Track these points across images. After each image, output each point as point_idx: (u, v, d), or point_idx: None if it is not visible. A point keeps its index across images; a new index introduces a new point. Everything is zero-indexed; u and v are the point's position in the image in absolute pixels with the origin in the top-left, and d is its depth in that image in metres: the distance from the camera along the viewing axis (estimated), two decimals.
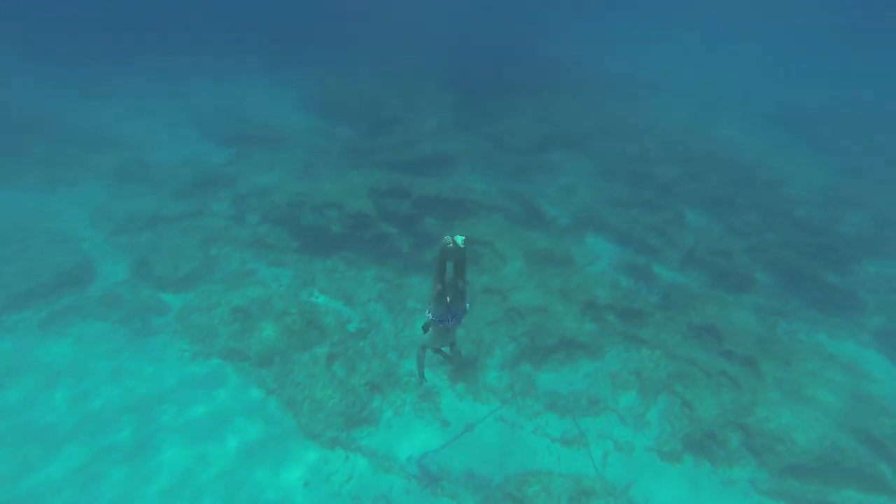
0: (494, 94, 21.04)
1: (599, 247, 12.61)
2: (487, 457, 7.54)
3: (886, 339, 10.64)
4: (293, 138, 16.56)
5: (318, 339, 8.79)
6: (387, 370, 8.39)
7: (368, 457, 7.33)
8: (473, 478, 7.19)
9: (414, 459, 7.38)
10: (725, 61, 33.68)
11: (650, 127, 19.19)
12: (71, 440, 7.21)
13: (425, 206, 11.84)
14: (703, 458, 8.11)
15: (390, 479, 7.05)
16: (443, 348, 5.71)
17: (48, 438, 7.19)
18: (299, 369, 8.33)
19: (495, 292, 9.98)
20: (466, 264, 4.69)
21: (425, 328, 5.42)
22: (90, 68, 22.48)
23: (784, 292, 11.88)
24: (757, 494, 7.67)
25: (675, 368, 9.29)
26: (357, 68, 23.52)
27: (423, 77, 22.58)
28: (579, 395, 8.65)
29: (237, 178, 13.30)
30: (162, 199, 12.63)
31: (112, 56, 24.13)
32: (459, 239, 4.40)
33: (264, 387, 8.20)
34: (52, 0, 29.87)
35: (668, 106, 22.51)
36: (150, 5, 31.51)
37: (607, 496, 7.15)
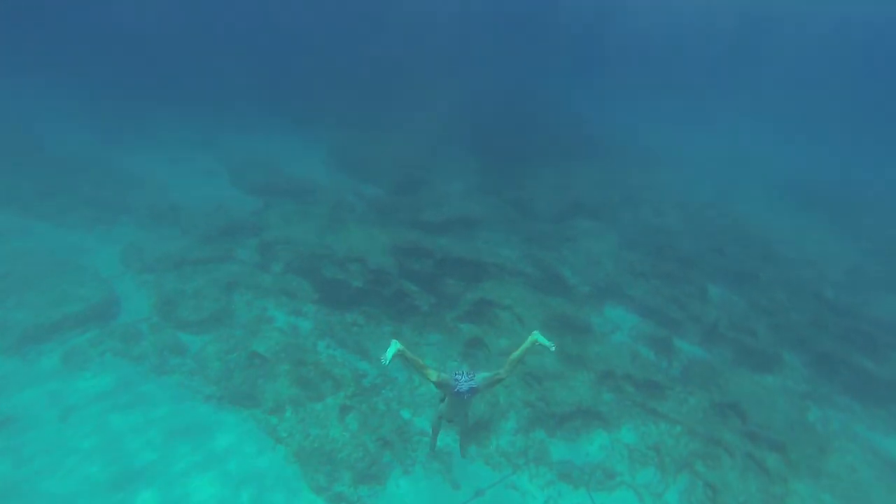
0: (519, 162, 22.02)
1: (619, 317, 12.77)
2: None
3: None
4: (320, 193, 17.46)
5: (332, 390, 8.98)
6: (399, 427, 8.48)
7: None
8: None
9: None
10: (748, 138, 34.70)
11: (673, 200, 19.73)
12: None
13: (447, 266, 12.28)
14: None
15: None
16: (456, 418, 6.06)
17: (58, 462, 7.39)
18: (311, 420, 8.48)
19: None
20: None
21: (442, 398, 5.83)
22: (134, 116, 24.27)
23: (814, 376, 11.75)
24: None
25: (697, 447, 9.16)
26: (385, 129, 24.91)
27: (449, 141, 23.80)
28: (594, 467, 8.56)
29: (264, 228, 14.02)
30: (190, 243, 13.32)
31: (154, 106, 26.06)
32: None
33: (273, 435, 8.34)
34: (100, 51, 32.73)
35: (692, 180, 23.18)
36: (190, 60, 34.19)
37: None
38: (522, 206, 17.63)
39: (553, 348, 5.83)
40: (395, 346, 5.64)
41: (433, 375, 5.66)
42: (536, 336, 5.88)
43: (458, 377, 5.75)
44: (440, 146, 23.01)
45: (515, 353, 5.88)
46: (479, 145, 23.62)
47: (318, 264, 12.01)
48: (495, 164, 21.57)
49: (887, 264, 16.90)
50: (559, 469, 8.40)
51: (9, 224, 14.02)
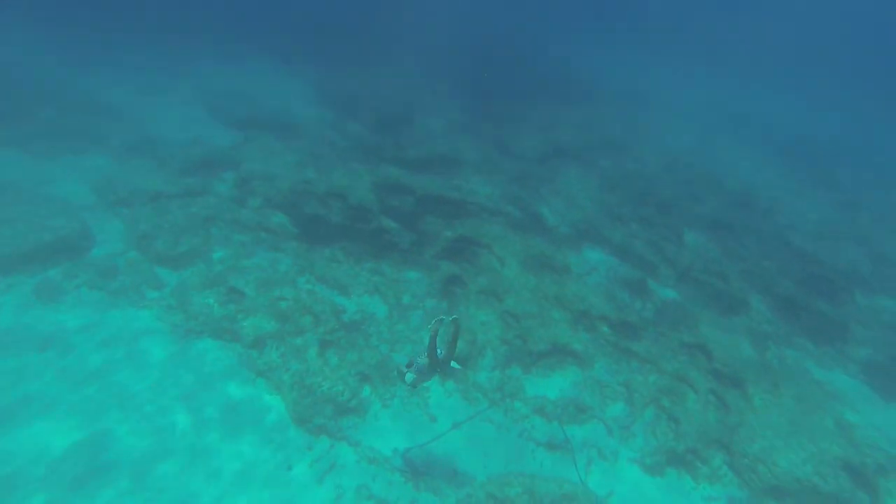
0: (503, 101, 21.17)
1: (597, 258, 12.65)
2: (472, 456, 7.51)
3: (872, 371, 10.73)
4: (302, 128, 16.54)
5: (312, 326, 8.74)
6: (378, 362, 8.36)
7: (353, 446, 7.29)
8: (457, 475, 7.17)
9: (399, 452, 7.35)
10: (735, 88, 34.01)
11: (655, 145, 19.33)
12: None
13: (427, 204, 11.85)
14: (685, 472, 8.11)
15: (374, 469, 7.01)
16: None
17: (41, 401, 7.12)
18: (291, 354, 8.29)
19: (491, 294, 9.98)
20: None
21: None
22: (99, 40, 22.35)
23: (777, 318, 11.96)
24: None
25: (664, 383, 9.31)
26: (369, 66, 23.57)
27: (434, 79, 22.68)
28: (567, 402, 8.64)
29: (243, 162, 13.25)
30: (166, 176, 12.55)
31: (122, 30, 24.01)
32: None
33: (254, 369, 8.15)
34: None
35: (675, 126, 22.69)
36: None
37: (588, 503, 7.14)
38: (504, 146, 17.04)
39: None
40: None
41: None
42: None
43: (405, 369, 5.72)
44: (425, 84, 21.91)
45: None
46: (464, 85, 22.58)
47: (298, 200, 11.46)
48: (479, 103, 20.69)
49: (854, 216, 17.03)
50: (533, 404, 8.46)
51: None
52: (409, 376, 5.63)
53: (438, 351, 5.66)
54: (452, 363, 5.87)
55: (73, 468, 6.38)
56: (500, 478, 7.22)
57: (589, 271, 12.09)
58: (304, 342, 8.43)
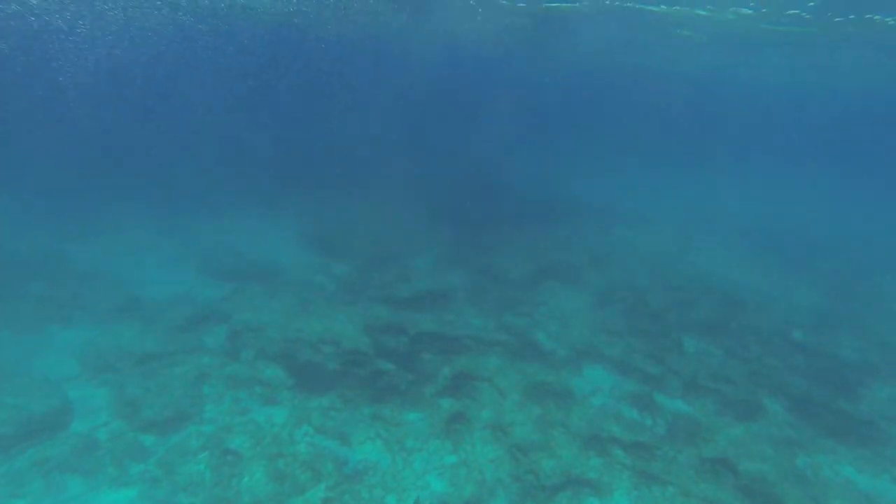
0: (487, 226, 22.78)
1: (599, 377, 12.91)
2: None
3: None
4: (290, 274, 17.51)
5: (313, 482, 8.65)
6: None
7: None
8: None
9: None
10: (707, 191, 37.01)
11: (639, 256, 20.59)
12: None
13: (422, 342, 12.34)
14: None
15: None
16: None
17: None
18: None
19: (496, 428, 10.07)
20: None
21: None
22: (92, 209, 24.16)
23: (796, 420, 11.99)
24: None
25: None
26: (352, 208, 25.57)
27: (416, 215, 24.54)
28: None
29: (233, 314, 13.87)
30: (155, 335, 13.01)
31: (109, 194, 26.07)
32: None
33: None
34: (46, 141, 33.05)
35: (655, 235, 24.33)
36: (150, 144, 34.84)
37: None
38: (492, 274, 18.05)
39: None
40: None
41: None
42: None
43: None
44: (407, 220, 23.64)
45: None
46: (446, 216, 24.39)
47: (291, 349, 11.89)
48: (462, 233, 22.23)
49: (845, 304, 17.84)
50: None
51: None
52: None
53: None
54: None
55: None
56: None
57: (592, 392, 12.28)
58: (306, 502, 8.30)
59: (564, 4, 23.84)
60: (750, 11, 21.39)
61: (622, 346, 13.81)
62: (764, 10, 20.95)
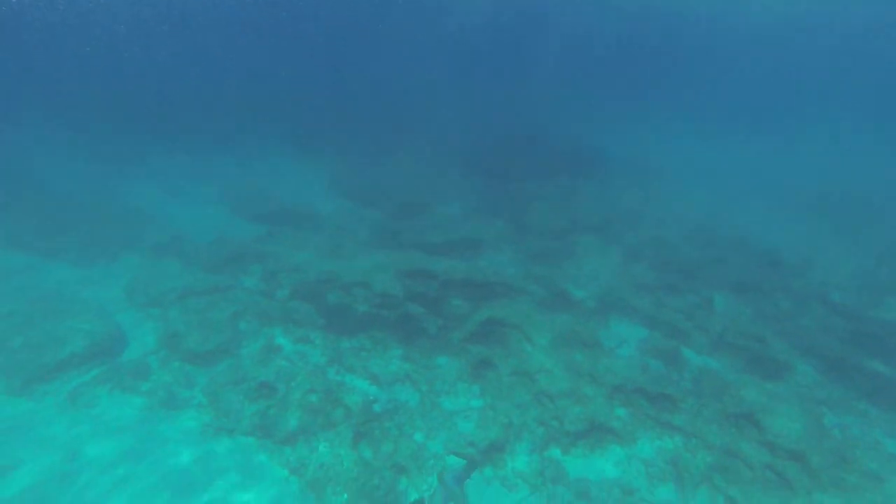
0: (517, 181, 22.23)
1: (626, 330, 12.74)
2: None
3: None
4: (322, 219, 17.57)
5: (344, 418, 8.91)
6: (413, 452, 8.39)
7: None
8: None
9: None
10: (747, 149, 35.16)
11: (675, 212, 19.87)
12: None
13: (452, 287, 12.30)
14: None
15: None
16: None
17: None
18: (323, 449, 8.40)
19: (523, 375, 10.09)
20: None
21: None
22: (133, 150, 24.51)
23: (827, 381, 11.67)
24: None
25: (714, 459, 9.06)
26: (385, 154, 25.24)
27: (449, 164, 24.09)
28: (612, 485, 8.44)
29: (267, 255, 14.06)
30: (194, 274, 13.34)
31: (153, 138, 26.35)
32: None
33: (287, 466, 8.24)
34: (88, 81, 33.28)
35: (690, 192, 23.40)
36: (188, 88, 34.78)
37: None
38: (523, 225, 17.73)
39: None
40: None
41: None
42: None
43: None
44: (440, 169, 23.27)
45: None
46: (479, 167, 23.87)
47: (323, 290, 12.02)
48: (495, 184, 21.78)
49: (891, 267, 16.95)
50: (576, 487, 8.29)
51: (11, 263, 14.06)
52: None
53: None
54: None
55: None
56: None
57: (620, 344, 12.16)
58: (337, 435, 8.56)
59: None
60: None
61: (651, 301, 13.51)
62: None
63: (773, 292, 14.08)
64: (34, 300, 12.07)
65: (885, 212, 22.79)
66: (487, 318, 11.34)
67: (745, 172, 28.38)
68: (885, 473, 8.90)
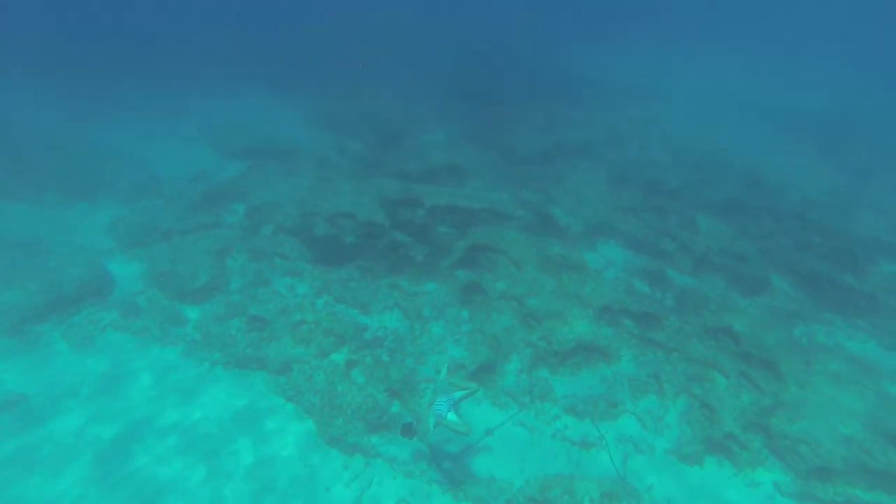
0: (500, 105, 21.37)
1: (612, 252, 12.70)
2: (508, 461, 7.55)
3: None
4: (303, 152, 16.84)
5: (336, 346, 8.89)
6: (404, 377, 8.46)
7: (389, 462, 7.37)
8: (495, 481, 7.21)
9: (435, 463, 7.41)
10: (730, 69, 33.99)
11: (657, 134, 19.37)
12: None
13: (438, 215, 12.00)
14: (725, 459, 8.08)
15: (411, 483, 7.08)
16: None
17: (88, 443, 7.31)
18: (318, 377, 8.42)
19: (511, 298, 10.06)
20: None
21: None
22: (102, 89, 22.95)
23: (801, 295, 11.89)
24: (781, 497, 7.62)
25: (693, 371, 9.30)
26: (363, 85, 23.93)
27: (429, 90, 22.98)
28: (597, 399, 8.66)
29: (249, 191, 13.52)
30: (177, 212, 12.86)
31: (121, 75, 24.65)
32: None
33: (283, 394, 8.28)
34: (52, 19, 30.71)
35: (675, 113, 22.75)
36: (159, 26, 32.30)
37: (629, 498, 7.13)
38: (507, 150, 17.18)
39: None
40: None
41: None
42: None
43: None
44: (421, 96, 22.21)
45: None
46: (459, 93, 22.84)
47: (309, 223, 11.67)
48: (476, 110, 20.90)
49: (868, 184, 16.92)
50: (564, 403, 8.50)
51: None
52: (432, 420, 6.58)
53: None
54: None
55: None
56: (538, 481, 7.25)
57: (606, 266, 12.14)
58: (330, 363, 8.57)
59: None
60: None
61: (636, 223, 13.39)
62: None
63: (755, 211, 14.02)
64: (16, 243, 11.61)
65: (864, 132, 22.48)
66: (474, 244, 11.16)
67: (729, 92, 27.57)
68: (842, 373, 9.23)
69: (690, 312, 10.69)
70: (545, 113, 20.92)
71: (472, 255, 11.13)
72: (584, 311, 10.06)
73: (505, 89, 23.62)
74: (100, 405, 7.98)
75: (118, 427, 7.63)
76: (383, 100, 21.61)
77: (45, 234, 12.01)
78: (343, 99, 22.26)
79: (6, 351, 8.91)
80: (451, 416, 6.49)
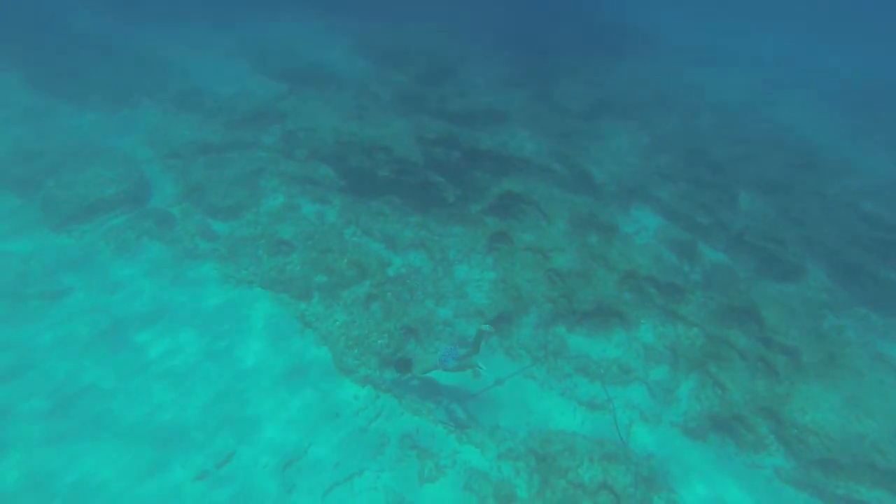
0: (550, 55, 19.98)
1: (645, 218, 12.03)
2: (514, 411, 7.43)
3: None
4: (345, 80, 16.12)
5: (358, 278, 8.70)
6: (423, 316, 8.27)
7: (398, 398, 7.31)
8: (499, 429, 7.12)
9: (442, 405, 7.34)
10: (802, 40, 31.00)
11: (709, 102, 17.94)
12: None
13: (474, 158, 11.41)
14: (728, 439, 7.83)
15: (417, 421, 7.04)
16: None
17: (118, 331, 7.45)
18: (338, 306, 8.30)
19: (537, 251, 9.65)
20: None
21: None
22: (150, 3, 22.13)
23: (836, 286, 11.15)
24: (780, 481, 7.38)
25: (712, 349, 8.90)
26: (413, 19, 22.58)
27: (479, 32, 21.59)
28: (610, 363, 8.39)
29: (288, 114, 13.06)
30: (215, 128, 12.55)
31: None
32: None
33: (302, 319, 8.21)
34: None
35: (731, 81, 20.98)
36: None
37: (628, 463, 6.99)
38: (551, 102, 16.16)
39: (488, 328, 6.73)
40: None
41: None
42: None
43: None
44: (470, 36, 20.90)
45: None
46: (509, 38, 21.41)
47: (344, 152, 11.24)
48: (524, 57, 19.62)
49: None
50: (576, 363, 8.26)
51: (34, 102, 13.31)
52: (452, 363, 6.65)
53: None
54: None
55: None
56: (541, 434, 7.14)
57: (637, 231, 11.53)
58: (351, 294, 8.42)
59: None
60: None
61: (674, 192, 12.58)
62: None
63: (803, 195, 12.99)
64: (62, 143, 11.61)
65: None
66: (507, 192, 10.63)
67: (798, 65, 25.18)
68: (867, 370, 8.72)
69: (717, 289, 10.13)
70: (595, 68, 19.52)
71: (503, 202, 10.63)
72: (608, 274, 9.61)
73: (557, 39, 22.04)
74: (130, 305, 8.07)
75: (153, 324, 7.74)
76: (432, 37, 20.42)
77: (90, 135, 11.93)
78: (391, 31, 21.10)
79: (55, 246, 9.04)
80: (451, 362, 6.59)
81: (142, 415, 6.57)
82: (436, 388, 7.51)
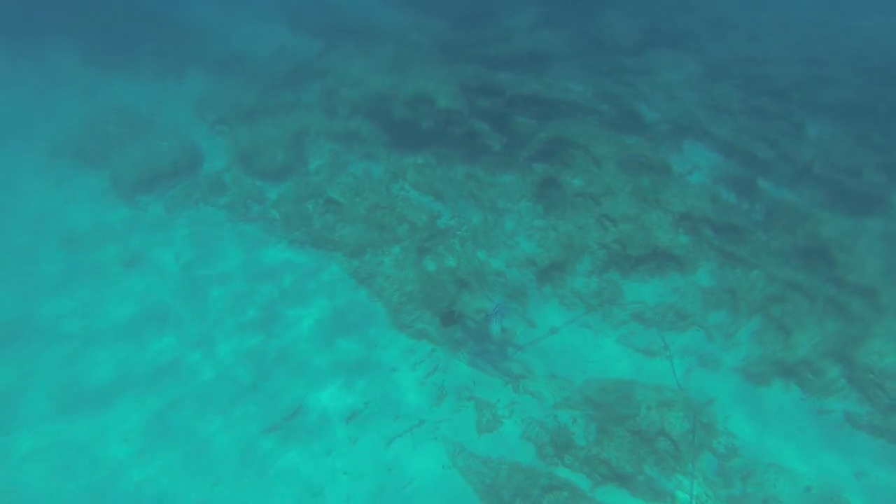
0: None
1: (700, 156, 10.86)
2: (570, 360, 7.11)
3: None
4: (383, 31, 15.14)
5: (409, 233, 8.38)
6: (475, 268, 7.92)
7: (454, 351, 7.11)
8: (555, 378, 6.84)
9: (495, 356, 7.09)
10: None
11: (773, 20, 15.71)
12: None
13: (518, 104, 10.52)
14: (793, 384, 7.23)
15: (474, 373, 6.85)
16: None
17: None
18: (389, 262, 8.06)
19: (587, 197, 8.93)
20: None
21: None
22: None
23: None
24: (851, 427, 6.78)
25: (774, 291, 8.10)
26: None
27: None
28: (667, 309, 7.82)
29: (328, 71, 12.45)
30: (257, 91, 12.19)
31: None
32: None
33: (356, 276, 8.05)
34: None
35: None
36: None
37: (687, 410, 6.58)
38: (595, 38, 14.59)
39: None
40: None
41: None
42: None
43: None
44: None
45: None
46: None
47: (387, 106, 10.64)
48: None
49: None
50: (632, 309, 7.76)
51: (93, 79, 13.39)
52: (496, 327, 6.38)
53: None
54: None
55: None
56: (597, 383, 6.81)
57: (690, 170, 10.44)
58: (402, 249, 8.13)
59: None
60: None
61: (731, 125, 11.25)
62: None
63: (886, 116, 11.27)
64: (117, 115, 11.59)
65: None
66: (554, 136, 9.79)
67: None
68: None
69: (780, 228, 9.12)
70: None
71: (550, 148, 9.82)
72: (662, 217, 8.82)
73: None
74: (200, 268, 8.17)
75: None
76: None
77: (143, 108, 11.91)
78: None
79: (126, 219, 9.21)
80: (496, 327, 6.40)
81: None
82: (489, 339, 7.25)
